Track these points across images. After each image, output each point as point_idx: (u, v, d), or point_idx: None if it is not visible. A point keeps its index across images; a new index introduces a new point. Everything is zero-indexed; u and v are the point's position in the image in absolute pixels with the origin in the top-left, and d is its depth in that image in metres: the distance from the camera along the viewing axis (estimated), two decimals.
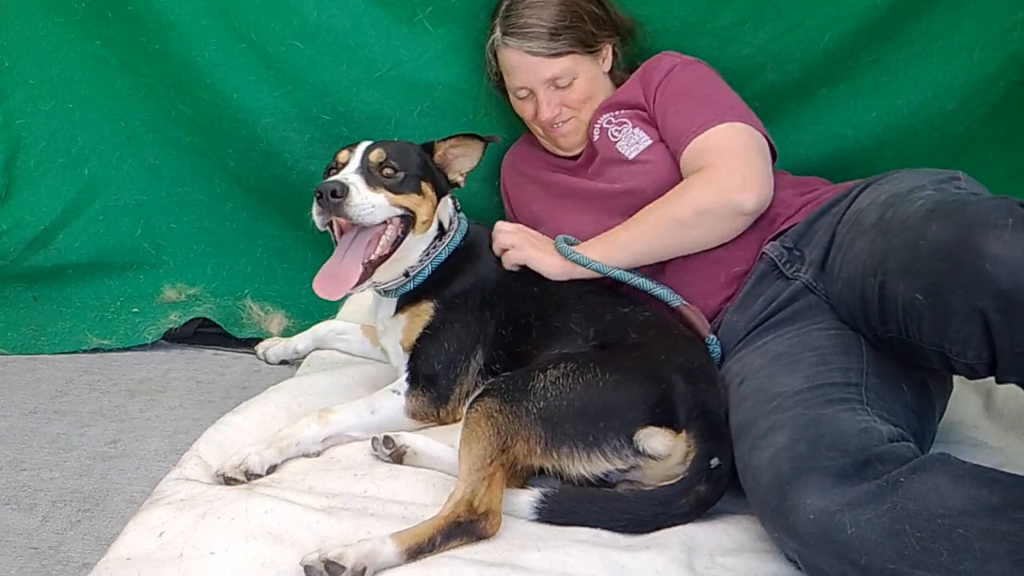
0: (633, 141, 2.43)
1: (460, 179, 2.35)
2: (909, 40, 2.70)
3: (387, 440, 2.01)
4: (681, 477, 1.81)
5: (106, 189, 3.08)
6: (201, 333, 2.96)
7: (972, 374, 1.68)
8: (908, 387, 1.88)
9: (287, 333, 2.87)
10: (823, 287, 2.06)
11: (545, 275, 2.27)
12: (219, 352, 2.88)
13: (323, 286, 2.12)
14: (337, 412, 2.08)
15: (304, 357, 2.68)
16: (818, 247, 2.11)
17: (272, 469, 1.96)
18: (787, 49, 2.71)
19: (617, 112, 2.50)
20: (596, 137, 2.51)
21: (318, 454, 2.05)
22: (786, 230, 2.22)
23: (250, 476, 1.92)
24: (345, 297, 2.75)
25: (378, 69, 2.80)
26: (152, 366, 2.75)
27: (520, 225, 2.40)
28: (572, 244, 2.35)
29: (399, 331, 2.27)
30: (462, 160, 2.34)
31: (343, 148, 2.25)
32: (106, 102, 3.00)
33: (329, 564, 1.56)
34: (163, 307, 3.00)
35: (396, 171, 2.18)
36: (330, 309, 2.86)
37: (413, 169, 2.22)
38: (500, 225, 2.37)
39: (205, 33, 2.79)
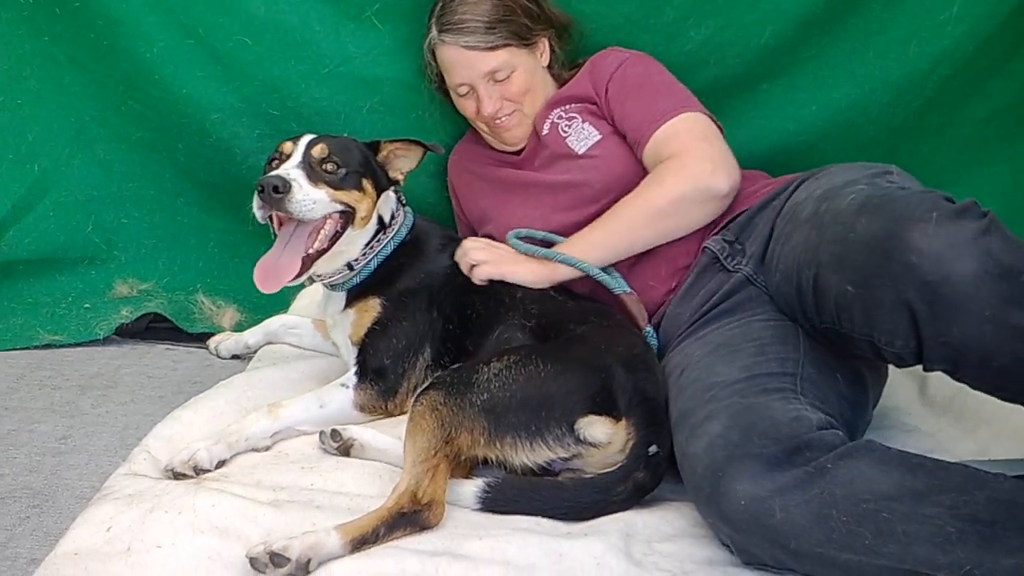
0: (583, 136, 2.47)
1: (400, 177, 2.38)
2: (846, 35, 2.76)
3: (334, 433, 2.04)
4: (620, 464, 1.85)
5: (56, 185, 3.07)
6: (153, 328, 2.96)
7: (901, 363, 1.74)
8: (843, 376, 1.93)
9: (239, 328, 2.88)
10: (763, 279, 2.11)
11: (525, 284, 2.27)
12: (171, 347, 2.87)
13: (262, 278, 2.15)
14: (286, 407, 2.11)
15: (255, 352, 2.69)
16: (758, 240, 2.16)
17: (221, 464, 1.98)
18: (728, 44, 2.76)
19: (567, 107, 2.53)
20: (546, 131, 2.53)
21: (267, 448, 2.07)
22: (727, 224, 2.27)
23: (199, 471, 1.93)
24: (297, 291, 2.81)
25: (327, 65, 2.81)
26: (103, 362, 2.74)
27: (488, 240, 2.42)
28: (523, 238, 2.37)
29: (348, 325, 2.30)
30: (403, 161, 2.37)
31: (287, 140, 2.27)
32: (55, 98, 2.99)
33: (274, 556, 1.58)
34: (115, 303, 2.99)
35: (338, 167, 2.21)
36: (282, 303, 2.88)
37: (354, 165, 2.24)
38: (468, 243, 2.37)
39: (153, 29, 2.79)
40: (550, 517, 1.81)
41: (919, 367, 1.73)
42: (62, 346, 2.84)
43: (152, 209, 3.14)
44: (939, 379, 2.24)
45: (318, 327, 2.64)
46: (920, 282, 1.58)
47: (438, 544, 1.70)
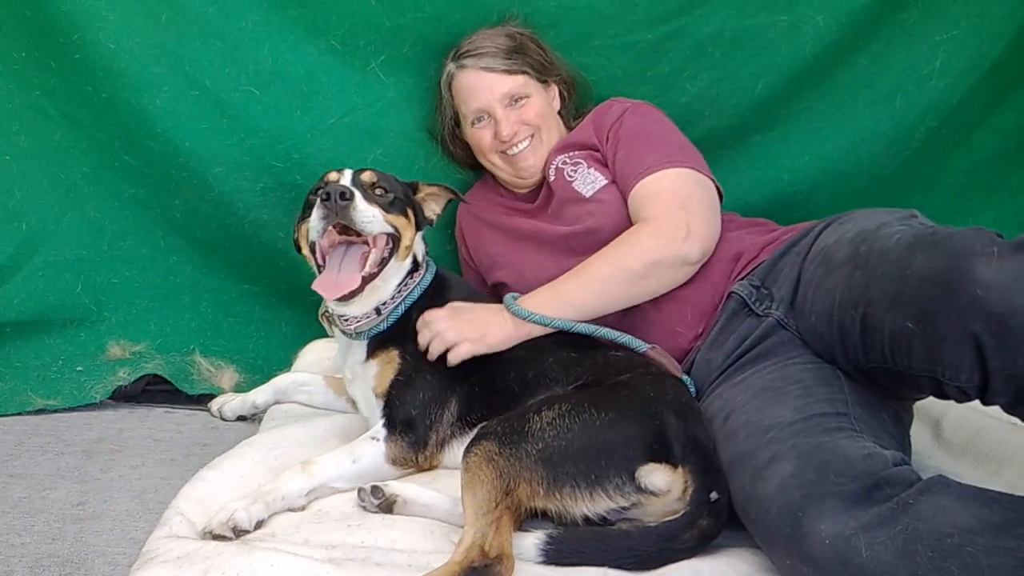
0: (589, 180, 2.49)
1: (433, 218, 2.44)
2: (836, 89, 2.86)
3: (375, 490, 1.98)
4: (683, 512, 1.81)
5: (45, 244, 2.96)
6: (149, 391, 2.84)
7: (962, 397, 1.74)
8: (887, 416, 1.95)
9: (239, 388, 2.79)
10: (794, 323, 2.13)
11: (495, 350, 2.25)
12: (170, 410, 2.76)
13: (324, 287, 2.14)
14: (319, 463, 2.04)
15: (264, 411, 2.60)
16: (786, 284, 2.18)
17: (259, 524, 1.90)
18: (724, 96, 2.84)
19: (572, 153, 2.56)
20: (552, 178, 2.56)
21: (303, 508, 1.99)
22: (752, 269, 2.29)
23: (238, 532, 1.85)
24: (299, 349, 2.74)
25: (332, 116, 2.81)
26: (104, 426, 2.61)
27: (448, 310, 2.29)
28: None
29: (371, 377, 2.25)
30: (433, 204, 2.44)
31: (331, 171, 2.28)
32: (45, 154, 2.90)
33: None
34: (109, 365, 2.87)
35: (386, 192, 2.24)
36: (282, 362, 2.82)
37: (399, 194, 2.28)
38: (429, 316, 2.27)
39: (157, 80, 2.74)
40: (616, 567, 1.76)
41: (932, 411, 1.74)
42: (56, 411, 2.71)
43: (144, 268, 3.05)
44: (953, 422, 2.32)
45: (330, 384, 2.57)
46: (987, 314, 1.60)
47: None
